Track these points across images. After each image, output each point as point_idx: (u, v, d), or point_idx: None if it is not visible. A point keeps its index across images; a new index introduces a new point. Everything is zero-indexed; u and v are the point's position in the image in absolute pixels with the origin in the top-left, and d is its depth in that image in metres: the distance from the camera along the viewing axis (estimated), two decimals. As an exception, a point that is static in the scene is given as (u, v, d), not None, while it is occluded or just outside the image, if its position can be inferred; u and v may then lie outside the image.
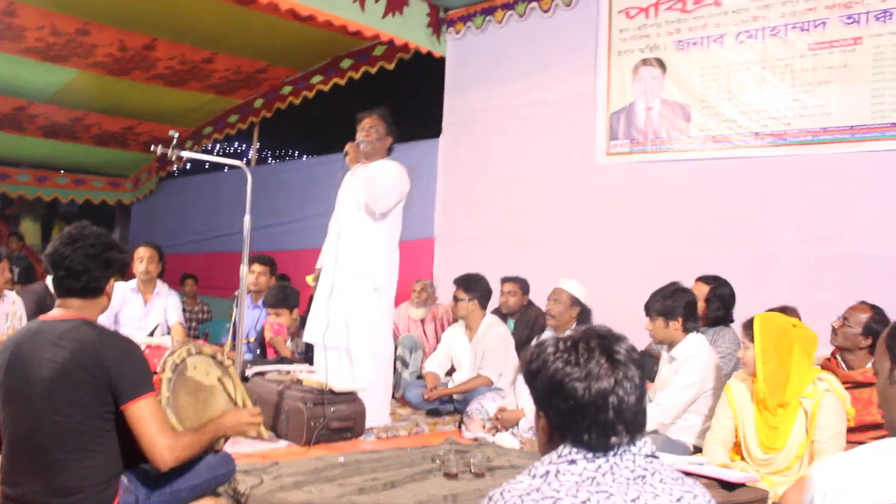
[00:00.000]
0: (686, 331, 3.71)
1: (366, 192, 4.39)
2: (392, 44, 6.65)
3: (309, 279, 4.80)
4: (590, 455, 1.34)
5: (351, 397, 4.18)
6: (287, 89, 8.39)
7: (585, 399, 1.34)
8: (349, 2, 5.98)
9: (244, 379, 4.20)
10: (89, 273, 2.32)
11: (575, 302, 4.52)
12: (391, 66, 7.19)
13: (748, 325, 3.22)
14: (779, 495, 2.81)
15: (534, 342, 2.03)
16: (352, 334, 4.41)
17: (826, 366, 3.51)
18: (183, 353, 2.62)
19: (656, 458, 1.38)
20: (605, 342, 1.39)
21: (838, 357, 3.59)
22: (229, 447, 2.77)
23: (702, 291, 4.21)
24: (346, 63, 7.65)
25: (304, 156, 14.83)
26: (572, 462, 1.33)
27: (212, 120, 9.48)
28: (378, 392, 4.48)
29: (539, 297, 5.07)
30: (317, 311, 4.50)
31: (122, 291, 5.16)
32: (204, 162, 10.38)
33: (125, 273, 3.84)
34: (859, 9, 4.58)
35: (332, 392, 4.09)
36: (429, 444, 3.98)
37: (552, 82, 6.09)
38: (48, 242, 2.48)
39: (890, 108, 4.45)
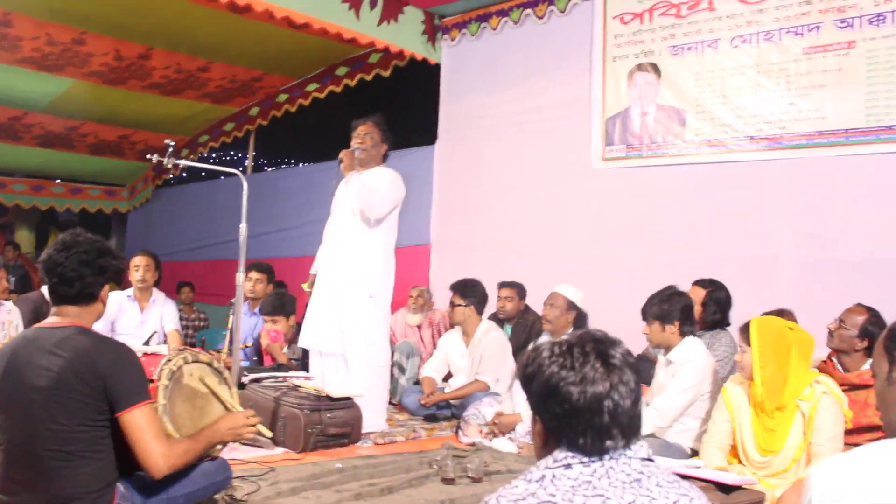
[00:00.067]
0: (683, 334, 3.71)
1: (361, 200, 4.40)
2: (387, 51, 6.66)
3: (305, 286, 4.81)
4: (585, 459, 1.33)
5: (348, 403, 4.18)
6: (283, 97, 8.38)
7: (580, 403, 1.34)
8: (344, 9, 5.99)
9: (241, 386, 4.20)
10: (83, 279, 2.32)
11: (571, 306, 4.54)
12: (387, 74, 7.20)
13: (745, 329, 3.22)
14: (776, 498, 2.81)
15: (530, 347, 2.03)
16: (348, 341, 4.43)
17: (822, 368, 3.51)
18: (179, 360, 2.63)
19: (652, 461, 1.38)
20: (601, 346, 1.39)
21: (834, 359, 3.60)
22: (226, 454, 2.76)
23: (698, 295, 4.22)
24: (341, 70, 7.65)
25: (301, 163, 14.85)
26: (568, 466, 1.33)
27: (208, 128, 9.46)
28: (375, 398, 4.48)
29: (536, 303, 5.07)
30: (311, 317, 4.50)
31: (118, 300, 5.15)
32: (200, 170, 10.41)
33: (121, 281, 3.85)
34: (853, 13, 4.60)
35: (328, 398, 4.09)
36: (426, 450, 3.97)
37: (547, 88, 6.10)
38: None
39: (884, 111, 4.46)
